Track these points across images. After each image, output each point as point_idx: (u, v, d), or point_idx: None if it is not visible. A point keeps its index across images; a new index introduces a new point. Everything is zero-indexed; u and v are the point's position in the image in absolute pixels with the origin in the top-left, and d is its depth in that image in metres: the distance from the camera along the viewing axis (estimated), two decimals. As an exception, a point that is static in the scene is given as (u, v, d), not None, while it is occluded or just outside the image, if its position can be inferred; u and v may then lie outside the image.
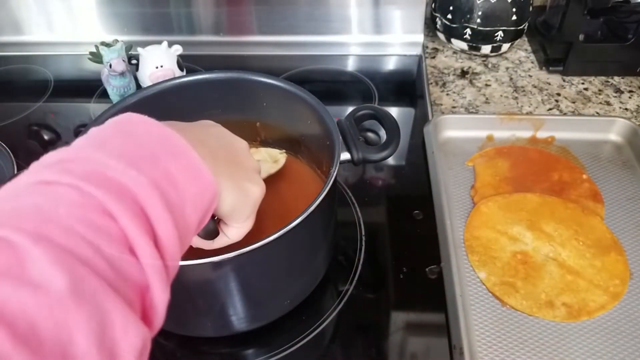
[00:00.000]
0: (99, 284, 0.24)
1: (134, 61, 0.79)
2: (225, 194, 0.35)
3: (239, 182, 0.37)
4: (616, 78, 0.87)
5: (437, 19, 0.92)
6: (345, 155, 0.52)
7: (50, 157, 0.28)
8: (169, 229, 0.28)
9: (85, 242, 0.24)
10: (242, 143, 0.41)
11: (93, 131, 0.30)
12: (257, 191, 0.39)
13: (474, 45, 0.90)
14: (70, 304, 0.22)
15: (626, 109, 0.81)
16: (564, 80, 0.87)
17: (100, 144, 0.29)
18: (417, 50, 0.94)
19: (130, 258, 0.26)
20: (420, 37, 0.94)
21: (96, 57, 0.79)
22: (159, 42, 0.78)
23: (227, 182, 0.36)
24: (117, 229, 0.26)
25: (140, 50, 0.77)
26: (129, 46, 0.80)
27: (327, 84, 0.90)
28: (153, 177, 0.29)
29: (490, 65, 0.91)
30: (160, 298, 0.27)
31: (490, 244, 0.61)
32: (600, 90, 0.85)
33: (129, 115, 0.32)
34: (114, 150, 0.29)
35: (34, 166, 0.28)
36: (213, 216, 0.38)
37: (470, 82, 0.88)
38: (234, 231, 0.41)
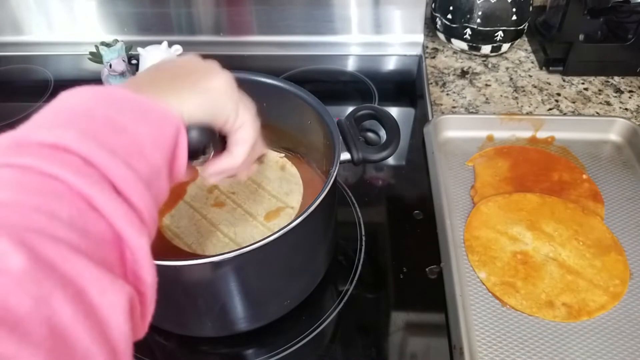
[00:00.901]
0: (58, 250, 0.22)
1: (134, 61, 0.79)
2: (189, 107, 0.33)
3: (192, 88, 0.34)
4: (616, 78, 0.87)
5: (437, 19, 0.92)
6: (345, 155, 0.52)
7: None
8: (123, 172, 0.26)
9: (32, 209, 0.23)
10: (187, 56, 0.38)
11: (28, 120, 0.29)
12: (217, 82, 0.35)
13: (474, 45, 0.90)
14: (39, 276, 0.21)
15: (626, 109, 0.81)
16: (564, 80, 0.87)
17: (28, 125, 0.28)
18: (417, 50, 0.94)
19: (91, 214, 0.25)
20: (420, 37, 0.94)
21: (96, 57, 0.79)
22: (159, 42, 0.78)
23: (183, 96, 0.33)
24: (64, 187, 0.25)
25: (140, 50, 0.77)
26: (129, 46, 0.80)
27: (327, 84, 0.90)
28: (85, 129, 0.27)
29: (490, 65, 0.91)
30: (137, 245, 0.26)
31: (490, 244, 0.61)
32: (600, 90, 0.85)
33: (63, 93, 0.30)
34: (40, 123, 0.28)
35: None
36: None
37: (470, 82, 0.88)
38: (242, 132, 0.38)
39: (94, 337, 0.22)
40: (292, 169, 0.61)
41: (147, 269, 0.26)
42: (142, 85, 0.32)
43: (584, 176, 0.69)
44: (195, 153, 0.36)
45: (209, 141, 0.36)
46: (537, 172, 0.70)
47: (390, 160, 0.72)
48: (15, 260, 0.21)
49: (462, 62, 0.92)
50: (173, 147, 0.31)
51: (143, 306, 0.26)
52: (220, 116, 0.36)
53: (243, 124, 0.38)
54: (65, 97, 0.30)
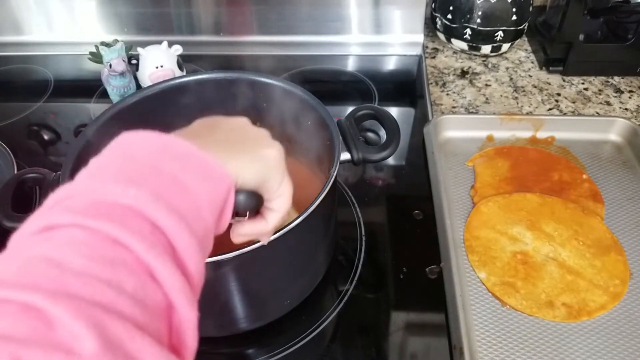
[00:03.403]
0: (124, 329, 0.23)
1: (134, 61, 0.79)
2: (243, 172, 0.34)
3: (250, 154, 0.35)
4: (616, 78, 0.87)
5: (437, 19, 0.92)
6: (345, 155, 0.52)
7: (49, 199, 0.27)
8: (186, 239, 0.27)
9: (103, 283, 0.23)
10: (241, 120, 0.40)
11: (92, 162, 0.29)
12: (271, 152, 0.37)
13: (474, 45, 0.90)
14: (106, 359, 0.21)
15: (626, 109, 0.81)
16: (564, 80, 0.87)
17: (97, 173, 0.28)
18: (417, 50, 0.94)
19: (152, 285, 0.25)
20: (420, 37, 0.94)
21: (96, 57, 0.79)
22: (159, 42, 0.78)
23: (239, 161, 0.34)
24: (131, 257, 0.25)
25: (140, 50, 0.77)
26: (129, 46, 0.80)
27: (327, 84, 0.90)
28: (156, 189, 0.27)
29: (490, 65, 0.91)
30: (187, 317, 0.26)
31: (490, 244, 0.61)
32: (600, 90, 0.85)
33: (126, 136, 0.30)
34: (111, 174, 0.28)
35: (35, 213, 0.27)
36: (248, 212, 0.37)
37: (470, 82, 0.88)
38: (279, 202, 0.39)
39: None
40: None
41: (192, 336, 0.27)
42: (204, 143, 0.32)
43: (584, 176, 0.69)
44: (233, 214, 0.37)
45: (253, 207, 0.37)
46: (537, 172, 0.70)
47: (390, 160, 0.72)
48: (88, 344, 0.21)
49: (462, 62, 0.92)
50: (223, 205, 0.32)
51: None
52: (268, 184, 0.37)
53: (282, 194, 0.39)
54: (131, 141, 0.30)
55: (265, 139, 0.38)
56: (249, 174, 0.34)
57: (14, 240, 0.26)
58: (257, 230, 0.40)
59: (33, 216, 0.27)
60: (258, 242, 0.42)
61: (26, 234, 0.26)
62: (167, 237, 0.27)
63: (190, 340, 0.27)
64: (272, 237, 0.41)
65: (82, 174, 0.29)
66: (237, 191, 0.34)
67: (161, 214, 0.26)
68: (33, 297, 0.22)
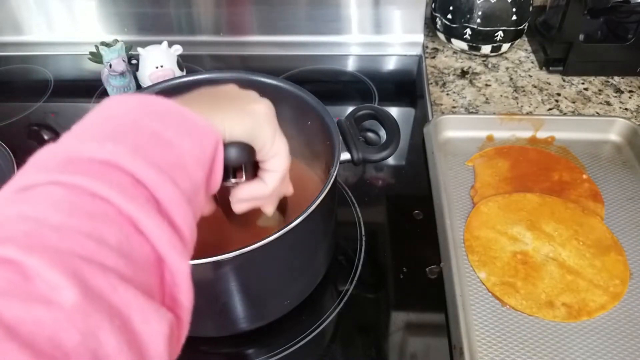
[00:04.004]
0: (106, 280, 0.22)
1: (134, 61, 0.79)
2: (231, 125, 0.33)
3: (238, 108, 0.35)
4: (616, 78, 0.87)
5: (437, 19, 0.92)
6: (345, 155, 0.52)
7: (28, 162, 0.27)
8: (170, 191, 0.26)
9: (83, 235, 0.23)
10: (229, 85, 0.39)
11: (74, 126, 0.29)
12: (260, 106, 0.36)
13: (474, 45, 0.90)
14: (88, 310, 0.21)
15: (626, 109, 0.81)
16: (564, 80, 0.87)
17: (74, 135, 0.28)
18: (417, 50, 0.94)
19: (137, 237, 0.25)
20: (420, 37, 0.94)
21: (96, 57, 0.79)
22: (159, 42, 0.78)
23: (227, 114, 0.34)
24: (113, 210, 0.24)
25: (140, 50, 0.77)
26: (129, 46, 0.80)
27: (327, 84, 0.90)
28: (135, 144, 0.27)
29: (490, 65, 0.91)
30: (179, 269, 0.26)
31: (490, 244, 0.61)
32: (600, 90, 0.85)
33: (108, 99, 0.30)
34: (89, 133, 0.27)
35: (14, 176, 0.26)
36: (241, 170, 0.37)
37: (470, 82, 0.88)
38: (276, 161, 0.38)
39: None
40: None
41: (186, 293, 0.26)
42: (187, 101, 0.32)
43: (584, 176, 0.69)
44: (228, 173, 0.37)
45: (245, 161, 0.37)
46: (537, 172, 0.70)
47: (390, 160, 0.72)
48: (68, 295, 0.21)
49: (462, 62, 0.92)
50: (212, 161, 0.31)
51: (179, 329, 0.26)
52: (259, 139, 0.36)
53: (277, 153, 0.38)
54: (111, 105, 0.30)
55: (254, 96, 0.38)
56: (238, 126, 0.34)
57: None
58: (257, 193, 0.39)
59: (12, 179, 0.26)
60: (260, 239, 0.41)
61: (3, 196, 0.25)
62: (149, 190, 0.26)
63: (184, 296, 0.26)
64: (272, 237, 0.41)
65: (63, 137, 0.28)
66: (228, 145, 0.34)
67: (140, 166, 0.26)
68: (6, 250, 0.22)
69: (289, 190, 0.45)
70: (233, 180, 0.38)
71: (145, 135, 0.28)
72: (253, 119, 0.35)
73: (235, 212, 0.41)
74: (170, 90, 0.57)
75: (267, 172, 0.39)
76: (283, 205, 0.48)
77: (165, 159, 0.27)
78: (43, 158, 0.27)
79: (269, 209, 0.43)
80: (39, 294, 0.21)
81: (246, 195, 0.39)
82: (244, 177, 0.38)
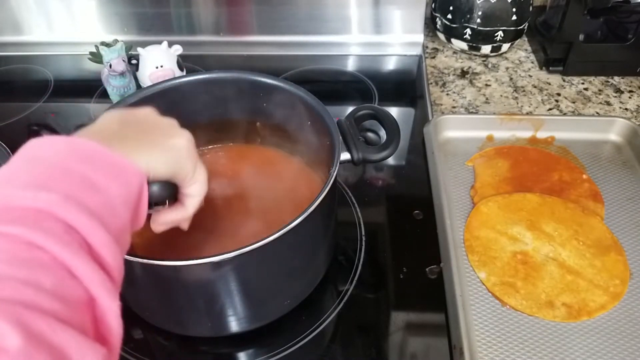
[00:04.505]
0: (46, 323, 0.24)
1: (134, 61, 0.79)
2: (155, 164, 0.35)
3: (160, 146, 0.37)
4: (616, 78, 0.87)
5: (437, 19, 0.92)
6: (345, 155, 0.52)
7: None
8: (101, 235, 0.28)
9: (21, 283, 0.24)
10: (147, 110, 0.40)
11: (0, 170, 0.30)
12: (181, 141, 0.38)
13: (474, 45, 0.90)
14: (32, 352, 0.22)
15: (626, 109, 0.81)
16: (564, 80, 0.87)
17: (6, 179, 0.29)
18: (417, 50, 0.94)
19: (71, 281, 0.26)
20: (420, 37, 0.94)
21: (96, 57, 0.79)
22: (159, 42, 0.78)
23: (150, 154, 0.35)
24: (48, 257, 0.26)
25: (140, 50, 0.77)
26: (129, 46, 0.80)
27: (327, 84, 0.90)
28: (67, 191, 0.28)
29: (490, 65, 0.91)
30: (109, 308, 0.27)
31: (490, 244, 0.61)
32: (600, 90, 0.85)
33: (32, 141, 0.31)
34: (20, 180, 0.29)
35: None
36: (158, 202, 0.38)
37: (470, 82, 0.88)
38: (196, 187, 0.41)
39: None
40: None
41: (115, 329, 0.28)
42: (111, 139, 0.33)
43: (584, 176, 0.69)
44: (151, 203, 0.38)
45: (168, 196, 0.39)
46: (537, 172, 0.70)
47: (390, 160, 0.72)
48: (13, 341, 0.22)
49: (462, 62, 0.92)
50: (137, 201, 0.33)
51: (111, 356, 0.28)
52: (181, 174, 0.38)
53: (197, 180, 0.41)
54: (38, 146, 0.31)
55: (174, 129, 0.39)
56: (161, 165, 0.36)
57: None
58: (178, 217, 0.42)
59: None
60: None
61: None
62: (82, 235, 0.28)
63: (115, 331, 0.28)
64: (272, 237, 0.42)
65: None
66: (151, 183, 0.35)
67: (72, 213, 0.28)
68: None
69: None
70: (154, 209, 0.40)
71: (75, 180, 0.29)
72: (175, 156, 0.37)
73: (156, 232, 0.42)
74: (171, 90, 0.57)
75: (187, 197, 0.41)
76: None
77: (95, 203, 0.29)
78: None
79: (186, 225, 0.45)
80: None
81: (167, 221, 0.42)
82: (166, 205, 0.40)
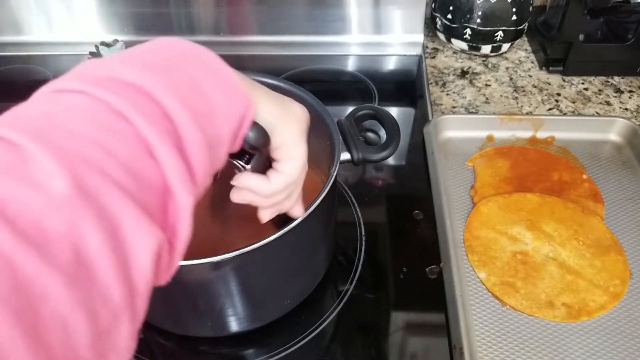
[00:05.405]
0: (104, 184, 0.22)
1: (134, 61, 0.78)
2: (262, 105, 0.34)
3: (276, 98, 0.36)
4: (616, 78, 0.87)
5: (437, 19, 0.92)
6: (345, 155, 0.52)
7: (70, 71, 0.28)
8: (195, 132, 0.27)
9: (94, 143, 0.23)
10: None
11: (122, 53, 0.30)
12: (298, 110, 0.37)
13: (474, 45, 0.90)
14: (76, 203, 0.21)
15: (626, 109, 0.81)
16: (564, 80, 0.87)
17: (122, 59, 0.29)
18: (417, 50, 0.94)
19: (148, 160, 0.25)
20: (420, 37, 0.94)
21: (96, 57, 0.79)
22: (159, 42, 0.78)
23: (264, 97, 0.34)
24: (133, 132, 0.25)
25: (140, 50, 0.77)
26: (129, 46, 0.80)
27: (327, 84, 0.90)
28: (174, 82, 0.27)
29: (490, 65, 0.91)
30: (183, 202, 0.26)
31: (490, 244, 0.61)
32: (600, 90, 0.85)
33: (161, 38, 0.31)
34: (133, 61, 0.28)
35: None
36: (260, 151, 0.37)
37: (470, 82, 0.88)
38: (289, 165, 0.38)
39: (117, 273, 0.22)
40: None
41: (185, 225, 0.26)
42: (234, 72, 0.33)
43: (584, 176, 0.69)
44: (241, 155, 0.37)
45: (260, 146, 0.36)
46: (537, 172, 0.70)
47: (390, 160, 0.72)
48: (59, 184, 0.21)
49: (462, 62, 0.92)
50: (238, 125, 0.31)
51: (171, 257, 0.26)
52: (281, 135, 0.36)
53: (294, 157, 0.38)
54: (162, 42, 0.31)
55: (295, 102, 0.38)
56: (269, 111, 0.34)
57: (28, 100, 0.27)
58: (257, 186, 0.38)
59: (53, 81, 0.27)
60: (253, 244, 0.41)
61: (38, 94, 0.27)
62: (175, 126, 0.26)
63: (183, 228, 0.27)
64: (272, 237, 0.42)
65: (110, 58, 0.29)
66: (252, 125, 0.34)
67: (172, 101, 0.26)
68: (16, 136, 0.22)
69: (296, 211, 0.43)
70: (241, 162, 0.38)
71: (184, 78, 0.28)
72: (285, 113, 0.36)
73: (231, 199, 0.40)
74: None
75: (275, 172, 0.38)
76: (282, 226, 0.45)
77: (197, 104, 0.28)
78: (84, 70, 0.27)
79: (264, 214, 0.41)
80: (32, 178, 0.21)
81: (246, 184, 0.39)
82: (251, 165, 0.38)
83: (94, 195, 0.22)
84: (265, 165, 0.39)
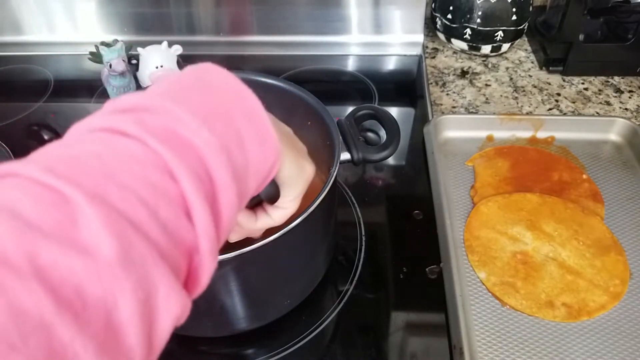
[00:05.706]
0: (148, 251, 0.23)
1: (134, 61, 0.79)
2: (286, 162, 0.34)
3: (296, 155, 0.36)
4: (616, 78, 0.87)
5: (437, 19, 0.92)
6: (345, 155, 0.52)
7: (125, 102, 0.27)
8: (231, 197, 0.27)
9: (141, 203, 0.23)
10: (285, 127, 0.40)
11: (173, 77, 0.29)
12: (310, 170, 0.38)
13: (474, 45, 0.90)
14: (119, 271, 0.21)
15: (626, 109, 0.81)
16: (564, 80, 0.87)
17: (177, 95, 0.28)
18: (417, 50, 0.94)
19: (185, 222, 0.25)
20: (420, 37, 0.94)
21: (96, 57, 0.79)
22: (159, 42, 0.78)
23: (287, 151, 0.35)
24: (176, 191, 0.25)
25: (140, 50, 0.77)
26: (129, 46, 0.80)
27: (327, 84, 0.90)
28: (224, 139, 0.27)
29: (490, 65, 0.91)
30: (208, 266, 0.26)
31: (490, 244, 0.61)
32: (600, 90, 0.85)
33: (208, 66, 0.31)
34: (190, 104, 0.28)
35: (107, 106, 0.27)
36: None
37: (470, 82, 0.88)
38: (280, 212, 0.40)
39: (142, 338, 0.22)
40: None
41: (202, 286, 0.27)
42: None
43: (584, 176, 0.69)
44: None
45: (271, 198, 0.39)
46: (537, 172, 0.70)
47: (390, 160, 0.72)
48: (106, 250, 0.21)
49: (462, 62, 0.92)
50: (262, 183, 0.32)
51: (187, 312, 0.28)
52: (290, 193, 0.38)
53: (287, 209, 0.40)
54: (212, 75, 0.30)
55: (305, 153, 0.39)
56: (288, 168, 0.35)
57: (76, 127, 0.26)
58: (244, 223, 0.40)
59: (104, 108, 0.27)
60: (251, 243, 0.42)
61: (89, 126, 0.26)
62: (215, 188, 0.27)
63: (200, 287, 0.27)
64: (272, 237, 0.42)
65: (160, 87, 0.29)
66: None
67: (219, 165, 0.27)
68: (74, 194, 0.22)
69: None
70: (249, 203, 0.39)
71: (232, 132, 0.28)
72: (301, 172, 0.37)
73: (231, 240, 0.41)
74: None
75: (265, 214, 0.40)
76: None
77: (238, 162, 0.28)
78: (144, 107, 0.27)
79: (232, 237, 0.43)
80: (80, 242, 0.21)
81: (260, 226, 0.41)
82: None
83: (138, 263, 0.22)
84: (252, 199, 0.40)
